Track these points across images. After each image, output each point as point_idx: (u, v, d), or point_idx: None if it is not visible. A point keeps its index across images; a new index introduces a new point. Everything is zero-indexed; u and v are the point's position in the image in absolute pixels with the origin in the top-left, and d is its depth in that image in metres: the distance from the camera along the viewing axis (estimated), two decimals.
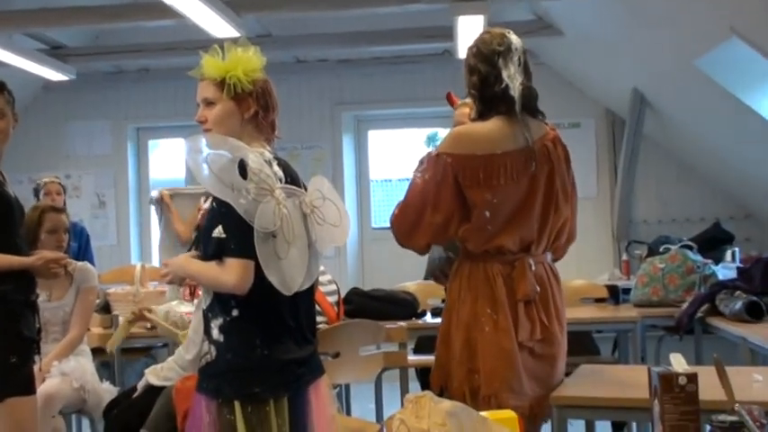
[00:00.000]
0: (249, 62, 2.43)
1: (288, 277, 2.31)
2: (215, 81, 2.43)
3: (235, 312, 2.33)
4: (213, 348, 2.36)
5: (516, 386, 2.64)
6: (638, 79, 6.26)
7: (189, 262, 2.49)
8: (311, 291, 2.51)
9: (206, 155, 2.28)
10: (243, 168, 2.27)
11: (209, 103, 2.46)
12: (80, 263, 4.19)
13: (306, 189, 2.47)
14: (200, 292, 3.71)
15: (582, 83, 7.17)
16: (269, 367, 2.33)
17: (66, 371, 3.87)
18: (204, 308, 2.43)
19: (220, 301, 2.36)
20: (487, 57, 2.72)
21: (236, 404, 2.31)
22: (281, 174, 2.38)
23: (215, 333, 2.36)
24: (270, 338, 2.34)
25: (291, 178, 2.42)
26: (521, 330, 2.66)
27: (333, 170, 7.35)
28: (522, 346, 2.67)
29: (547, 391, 2.67)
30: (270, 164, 2.36)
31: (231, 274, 2.27)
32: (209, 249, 2.33)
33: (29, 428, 3.02)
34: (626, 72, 6.31)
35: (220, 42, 2.49)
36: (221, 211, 2.29)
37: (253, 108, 2.43)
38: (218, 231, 2.29)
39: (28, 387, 3.02)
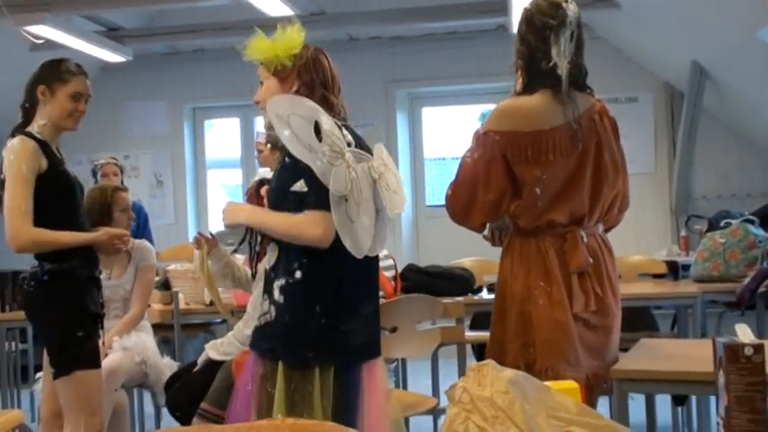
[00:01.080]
0: (288, 40, 2.46)
1: (360, 240, 2.31)
2: (260, 62, 2.50)
3: (298, 274, 2.33)
4: (273, 309, 2.36)
5: (572, 358, 2.63)
6: (698, 51, 6.12)
7: (260, 210, 2.51)
8: (376, 269, 2.51)
9: (288, 115, 2.30)
10: (318, 129, 2.29)
11: (260, 83, 2.53)
12: (138, 241, 4.27)
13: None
14: (259, 266, 3.76)
15: (639, 56, 7.04)
16: (324, 335, 2.33)
17: (128, 346, 3.96)
18: (268, 267, 2.43)
19: (286, 261, 2.36)
20: (539, 29, 2.68)
21: (281, 368, 2.29)
22: (350, 138, 2.39)
23: (276, 293, 2.36)
24: (330, 307, 2.34)
25: (360, 144, 2.44)
26: (575, 302, 2.64)
27: (387, 148, 7.33)
28: (576, 318, 2.65)
29: (602, 362, 2.65)
30: (339, 128, 2.38)
31: (317, 226, 2.28)
32: (288, 204, 2.33)
33: (95, 401, 3.11)
34: (685, 44, 6.18)
35: (274, 21, 2.52)
36: (301, 166, 2.29)
37: (296, 84, 2.46)
38: (300, 185, 2.30)
39: (94, 361, 3.11)
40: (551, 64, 2.65)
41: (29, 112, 3.12)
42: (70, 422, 3.07)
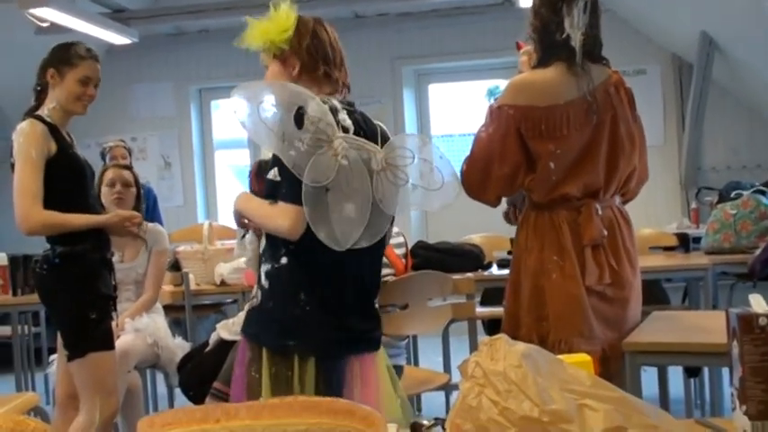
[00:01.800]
0: (280, 21, 2.40)
1: (340, 232, 2.21)
2: (259, 48, 2.44)
3: (284, 260, 2.28)
4: (259, 293, 2.33)
5: (586, 331, 2.63)
6: (707, 22, 6.06)
7: (247, 198, 2.47)
8: (377, 256, 2.43)
9: (258, 103, 2.23)
10: (300, 117, 2.20)
11: (265, 68, 2.48)
12: (151, 224, 4.27)
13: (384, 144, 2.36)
14: None
15: (647, 28, 6.98)
16: (306, 323, 2.27)
17: (140, 327, 3.97)
18: (260, 251, 2.40)
19: (272, 246, 2.31)
20: (552, 1, 2.66)
21: (264, 353, 2.27)
22: (347, 123, 2.29)
23: (262, 278, 2.33)
24: (316, 294, 2.28)
25: (364, 131, 2.33)
26: (588, 275, 2.64)
27: (394, 126, 7.32)
28: (590, 291, 2.65)
29: (619, 334, 2.64)
30: (335, 112, 2.27)
31: (285, 217, 2.21)
32: (267, 190, 2.30)
33: (109, 382, 3.13)
34: (693, 15, 6.12)
35: (278, 1, 2.46)
36: (275, 157, 2.26)
37: (297, 64, 2.39)
38: (274, 174, 2.26)
39: (107, 342, 3.13)
40: (564, 36, 2.63)
41: (40, 95, 3.13)
42: (86, 404, 3.09)
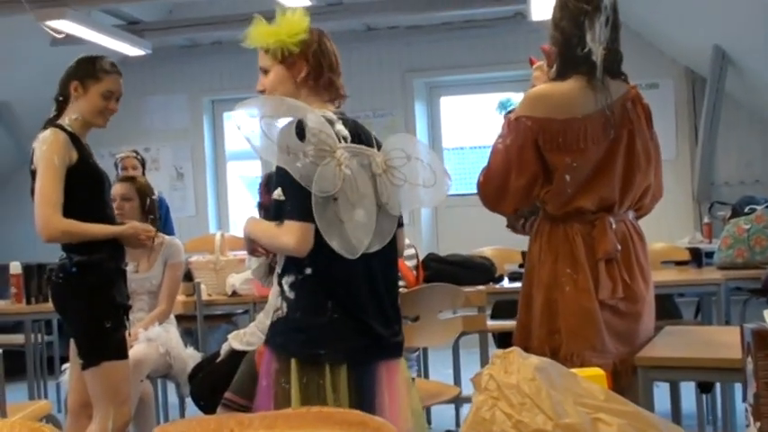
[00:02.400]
0: (293, 24, 2.39)
1: (353, 240, 2.26)
2: (265, 48, 2.42)
3: (308, 271, 2.30)
4: (285, 305, 2.34)
5: (598, 345, 2.62)
6: (720, 36, 6.06)
7: (255, 222, 2.49)
8: (390, 260, 2.44)
9: (260, 119, 2.25)
10: (301, 129, 2.22)
11: (264, 72, 2.46)
12: (168, 237, 4.29)
13: (380, 149, 2.41)
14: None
15: (660, 41, 6.98)
16: (336, 331, 2.29)
17: (152, 337, 3.99)
18: (278, 270, 2.40)
19: (293, 260, 2.32)
20: (573, 15, 2.65)
21: (293, 364, 2.27)
22: (345, 133, 2.32)
23: (287, 289, 2.33)
24: (342, 303, 2.30)
25: (360, 138, 2.37)
26: (601, 289, 2.63)
27: None
28: (603, 305, 2.64)
29: (632, 348, 2.63)
30: (332, 123, 2.30)
31: (290, 236, 2.24)
32: (273, 212, 2.32)
33: (122, 391, 3.15)
34: (706, 29, 6.11)
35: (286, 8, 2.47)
36: (279, 173, 2.27)
37: (304, 70, 2.40)
38: (278, 193, 2.28)
39: (121, 351, 3.15)
40: (586, 50, 2.62)
41: (62, 106, 3.15)
42: (99, 412, 3.10)
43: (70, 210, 3.01)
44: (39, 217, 2.98)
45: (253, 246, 2.47)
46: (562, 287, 2.65)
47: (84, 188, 3.06)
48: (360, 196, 2.27)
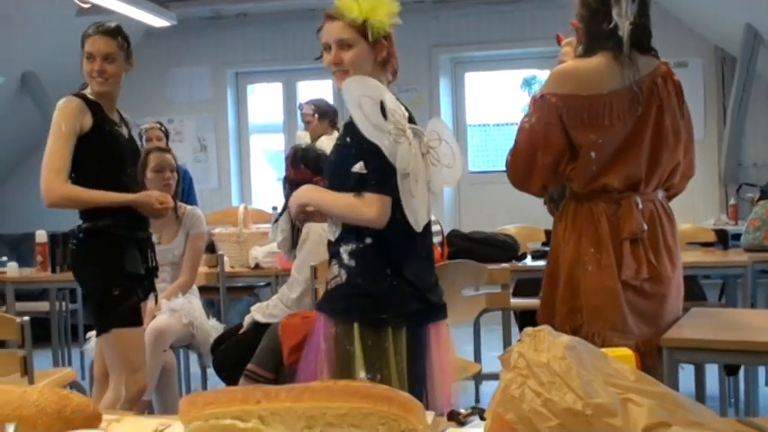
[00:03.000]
0: (390, 6, 2.43)
1: (419, 214, 2.38)
2: (353, 23, 2.41)
3: (368, 240, 2.38)
4: (344, 272, 2.40)
5: (619, 325, 2.60)
6: (752, 14, 5.96)
7: (318, 190, 2.53)
8: (429, 231, 2.54)
9: (359, 97, 2.32)
10: (383, 108, 2.32)
11: (345, 46, 2.43)
12: (189, 207, 4.30)
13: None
14: (301, 234, 3.77)
15: (690, 19, 6.88)
16: (395, 296, 2.39)
17: (175, 308, 4.01)
18: (332, 239, 2.47)
19: (353, 230, 2.40)
20: None
21: (356, 327, 2.36)
22: (407, 113, 2.41)
23: (345, 258, 2.40)
24: (398, 269, 2.39)
25: (412, 119, 2.45)
26: (625, 269, 2.61)
27: (429, 114, 7.29)
28: (626, 285, 2.62)
29: (656, 329, 2.62)
30: (400, 105, 2.40)
31: (372, 207, 2.33)
32: (348, 182, 2.36)
33: (135, 358, 3.14)
34: (738, 7, 6.02)
35: None
36: (363, 148, 2.32)
37: (385, 51, 2.45)
38: (360, 167, 2.34)
39: (132, 319, 3.12)
40: (612, 25, 2.59)
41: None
42: (113, 380, 3.12)
43: (81, 176, 3.02)
44: (42, 182, 2.99)
45: (304, 214, 2.53)
46: (585, 266, 2.64)
47: (96, 155, 3.05)
48: (419, 174, 2.38)
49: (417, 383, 2.39)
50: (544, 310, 2.76)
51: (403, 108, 2.41)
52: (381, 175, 2.32)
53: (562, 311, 2.69)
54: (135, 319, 3.14)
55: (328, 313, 2.43)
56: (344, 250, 2.41)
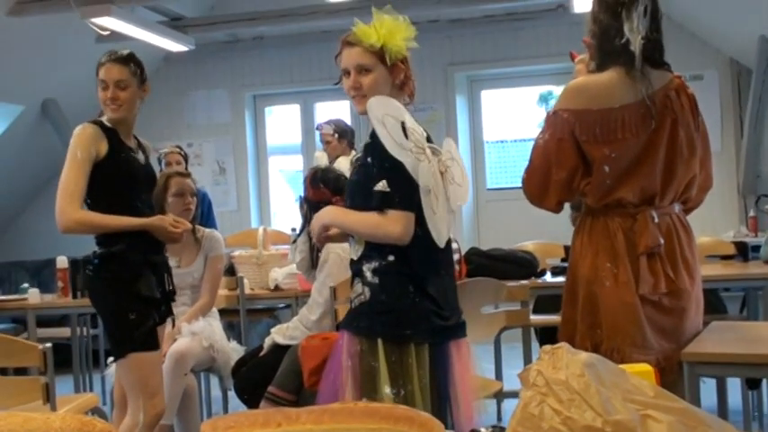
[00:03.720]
0: (406, 31, 2.50)
1: (441, 231, 2.43)
2: (372, 48, 2.46)
3: (391, 258, 2.42)
4: (367, 290, 2.45)
5: (639, 340, 2.60)
6: (766, 26, 5.95)
7: (342, 211, 2.57)
8: (450, 248, 2.57)
9: (382, 116, 2.38)
10: (404, 129, 2.37)
11: (364, 71, 2.48)
12: (208, 230, 4.32)
13: None
14: (320, 255, 3.79)
15: (705, 32, 6.87)
16: (418, 313, 2.42)
17: (196, 331, 4.02)
18: (354, 258, 2.51)
19: (376, 247, 2.44)
20: (611, 6, 2.64)
21: (380, 344, 2.39)
22: (425, 133, 2.47)
23: (368, 275, 2.44)
24: (421, 287, 2.42)
25: (428, 138, 2.50)
26: (642, 284, 2.60)
27: (447, 131, 7.30)
28: (645, 300, 2.62)
29: (677, 344, 2.61)
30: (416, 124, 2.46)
31: (397, 224, 2.37)
32: (371, 201, 2.40)
33: (152, 383, 3.13)
34: (752, 19, 6.00)
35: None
36: (385, 166, 2.37)
37: (402, 74, 2.50)
38: (383, 185, 2.38)
39: (149, 343, 3.12)
40: (624, 40, 2.61)
41: None
42: (131, 405, 3.12)
43: (96, 201, 3.06)
44: (57, 207, 3.03)
45: (326, 235, 2.58)
46: (602, 282, 2.64)
47: (111, 181, 3.09)
48: (439, 192, 2.43)
49: (441, 400, 2.41)
50: (565, 327, 2.76)
51: (421, 129, 2.46)
52: (405, 193, 2.36)
53: (582, 328, 2.68)
54: (151, 344, 3.14)
55: (353, 331, 2.46)
56: (368, 268, 2.44)
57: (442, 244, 2.44)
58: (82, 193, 3.02)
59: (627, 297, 2.61)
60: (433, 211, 2.39)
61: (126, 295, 3.10)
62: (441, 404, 2.41)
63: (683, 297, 2.67)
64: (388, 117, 2.37)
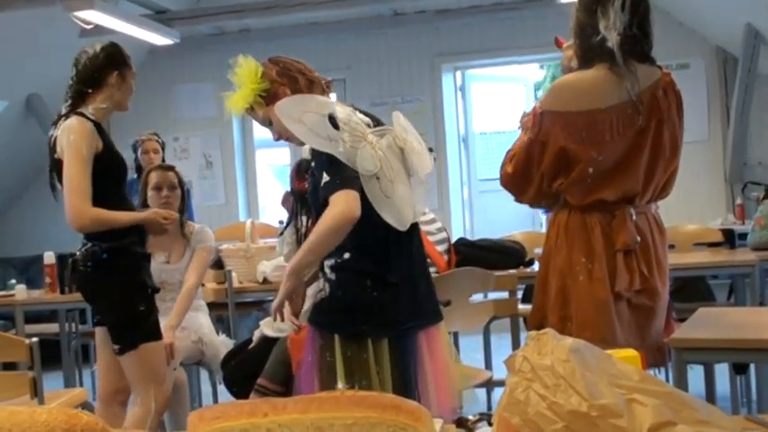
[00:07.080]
0: (251, 73, 2.55)
1: (401, 213, 2.40)
2: (250, 111, 2.59)
3: (346, 255, 2.43)
4: (327, 286, 2.48)
5: (609, 336, 2.59)
6: (753, 13, 5.97)
7: (294, 258, 2.52)
8: (419, 236, 2.56)
9: (300, 113, 2.39)
10: (334, 121, 2.37)
11: (267, 123, 2.60)
12: (198, 226, 4.28)
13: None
14: None
15: (690, 21, 6.89)
16: (376, 308, 2.43)
17: (185, 325, 4.01)
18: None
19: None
20: (586, 5, 2.63)
21: (337, 339, 2.41)
22: (366, 119, 2.47)
23: (327, 272, 2.48)
24: (379, 282, 2.43)
25: (376, 121, 2.52)
26: (619, 280, 2.61)
27: (434, 123, 7.30)
28: (618, 297, 2.63)
29: (641, 342, 2.61)
30: (354, 112, 2.46)
31: (338, 204, 2.31)
32: (321, 196, 2.37)
33: (161, 371, 3.23)
34: (738, 7, 6.02)
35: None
36: (322, 159, 2.38)
37: (288, 89, 2.53)
38: (324, 178, 2.37)
39: (156, 333, 3.21)
40: (599, 38, 2.59)
41: (86, 96, 3.13)
42: (140, 394, 3.16)
43: (97, 197, 3.05)
44: (69, 206, 3.01)
45: (291, 305, 2.52)
46: (576, 276, 2.64)
47: (109, 176, 3.09)
48: (395, 173, 2.41)
49: (406, 392, 2.37)
50: (535, 315, 2.78)
51: (361, 115, 2.46)
52: (345, 176, 2.34)
53: (552, 319, 2.69)
54: (158, 333, 3.23)
55: (314, 326, 2.51)
56: (327, 265, 2.47)
57: (403, 227, 2.40)
58: (90, 190, 3.02)
59: (600, 294, 2.62)
60: (385, 195, 2.36)
61: (136, 287, 3.15)
62: (407, 396, 2.38)
63: (653, 297, 2.69)
64: (308, 114, 2.38)
